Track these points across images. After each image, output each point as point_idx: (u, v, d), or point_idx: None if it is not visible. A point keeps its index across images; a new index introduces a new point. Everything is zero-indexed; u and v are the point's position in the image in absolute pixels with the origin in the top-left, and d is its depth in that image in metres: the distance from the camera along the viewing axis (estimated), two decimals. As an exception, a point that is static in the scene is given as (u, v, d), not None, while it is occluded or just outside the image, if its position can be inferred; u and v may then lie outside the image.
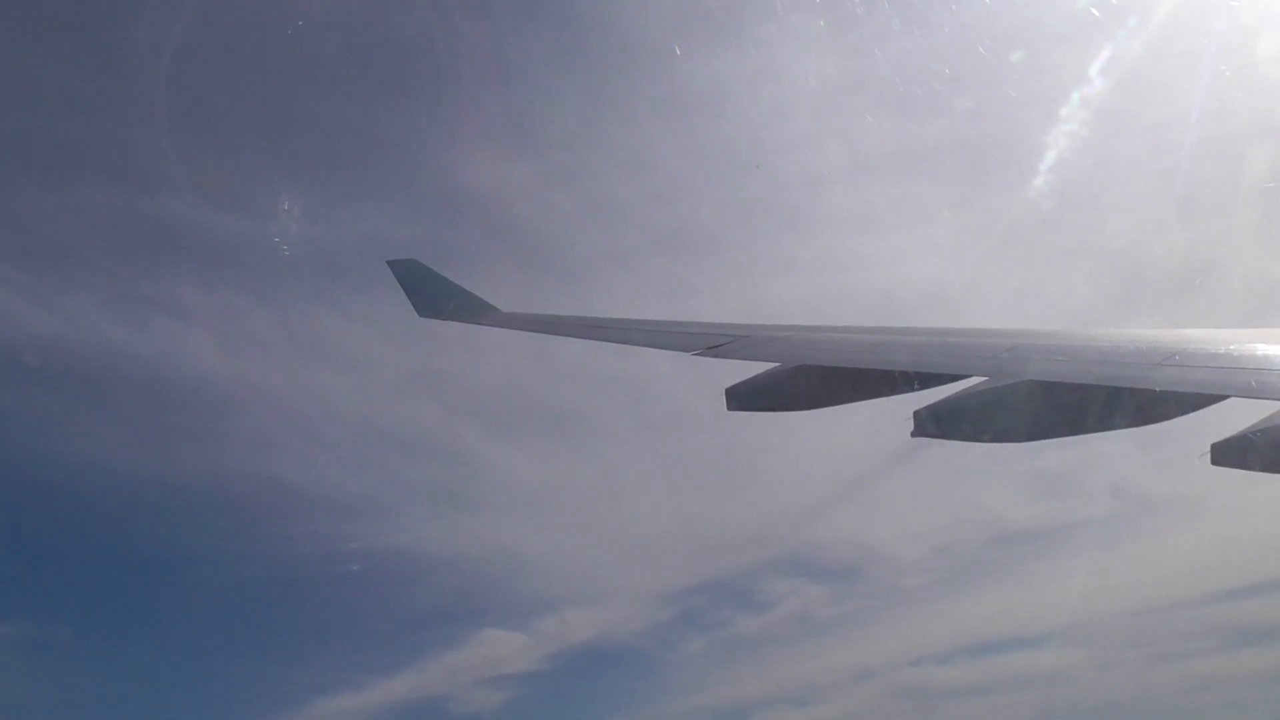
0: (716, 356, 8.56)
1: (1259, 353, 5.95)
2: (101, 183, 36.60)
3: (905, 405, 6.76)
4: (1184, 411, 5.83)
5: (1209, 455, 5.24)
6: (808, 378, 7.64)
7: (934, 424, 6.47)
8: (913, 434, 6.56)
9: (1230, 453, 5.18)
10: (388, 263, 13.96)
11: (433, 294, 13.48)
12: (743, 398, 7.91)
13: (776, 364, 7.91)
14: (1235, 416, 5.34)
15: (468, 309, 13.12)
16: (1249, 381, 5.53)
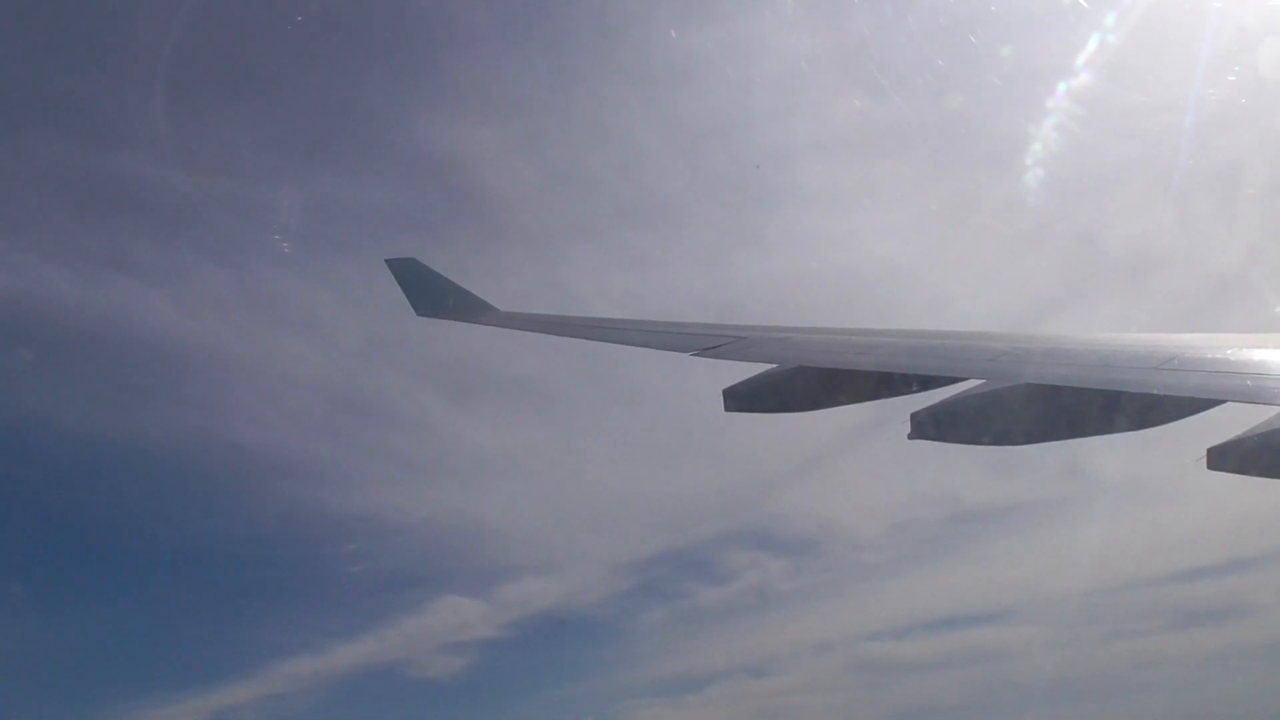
0: (714, 357, 8.57)
1: (1256, 358, 5.96)
2: (54, 135, 35.65)
3: (903, 407, 6.77)
4: (1181, 415, 5.83)
5: (1205, 460, 5.24)
6: (806, 379, 7.64)
7: (931, 426, 6.47)
8: (910, 436, 6.56)
9: (1226, 457, 5.18)
10: (386, 261, 13.97)
11: (431, 293, 13.48)
12: (740, 399, 7.91)
13: (774, 365, 7.91)
14: (1232, 421, 5.35)
15: (466, 308, 13.13)
16: (1246, 386, 5.54)
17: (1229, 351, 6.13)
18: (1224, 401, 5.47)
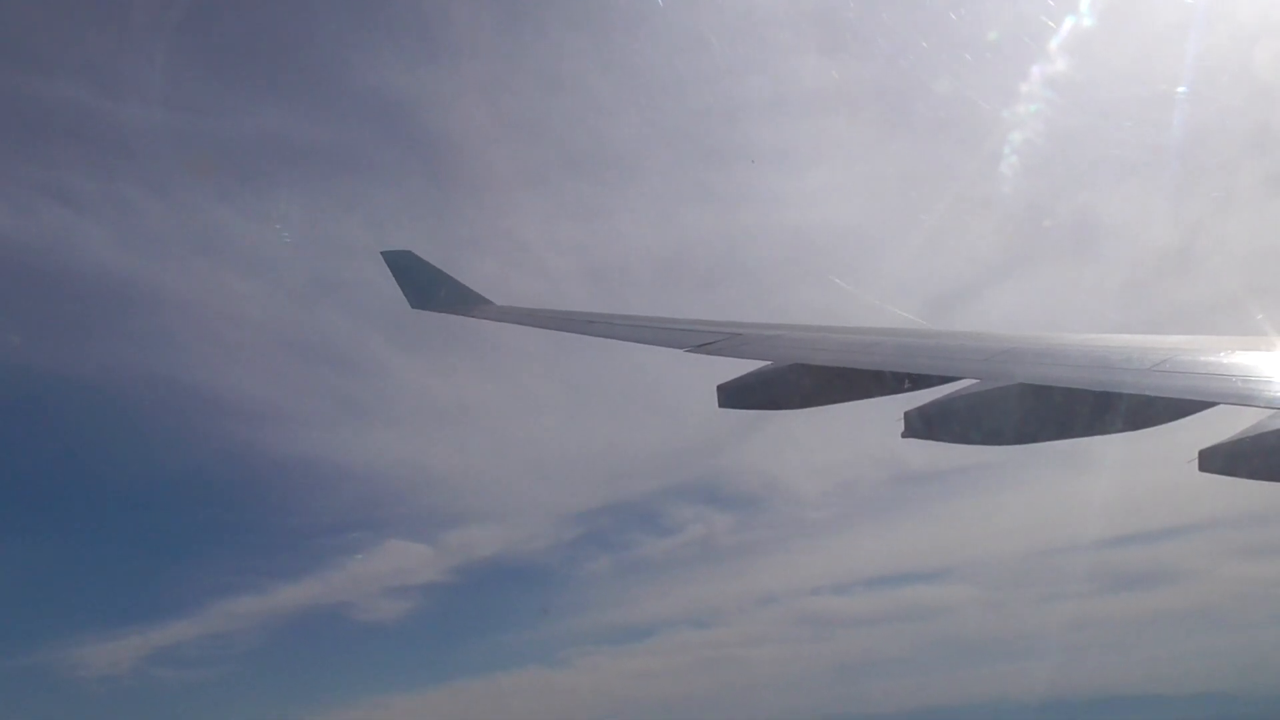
0: (709, 354, 8.58)
1: (1247, 361, 5.98)
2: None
3: (896, 405, 6.78)
4: (1172, 418, 5.86)
5: (1196, 461, 5.26)
6: (800, 376, 7.65)
7: (924, 425, 6.48)
8: (903, 434, 6.57)
9: (1217, 459, 5.21)
10: (382, 254, 13.93)
11: (426, 285, 13.46)
12: (734, 395, 7.91)
13: (768, 362, 7.92)
14: (1223, 423, 5.37)
15: (460, 301, 13.11)
16: (1237, 389, 5.56)
17: (1220, 354, 6.15)
18: (1215, 404, 5.50)
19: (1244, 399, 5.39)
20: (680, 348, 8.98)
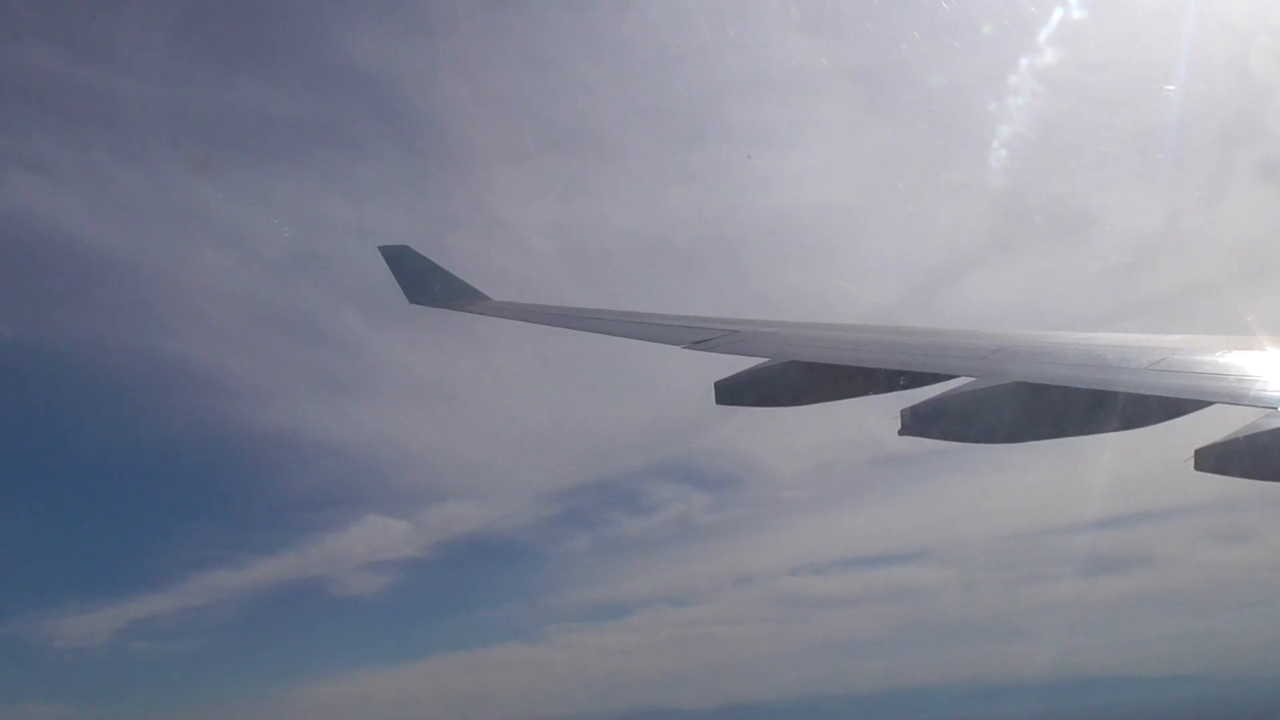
0: (706, 350, 8.59)
1: (1243, 360, 5.99)
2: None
3: (893, 404, 6.80)
4: (1168, 417, 5.87)
5: (1192, 460, 5.28)
6: (797, 374, 7.66)
7: (920, 423, 6.50)
8: (899, 432, 6.59)
9: (1213, 459, 5.22)
10: (379, 249, 13.92)
11: (424, 281, 13.45)
12: (731, 392, 7.94)
13: (765, 359, 7.93)
14: (1219, 423, 5.38)
15: (458, 296, 13.10)
16: (1233, 389, 5.57)
17: (1216, 354, 6.16)
18: (1211, 404, 5.51)
19: (1239, 399, 5.40)
20: (677, 344, 8.99)
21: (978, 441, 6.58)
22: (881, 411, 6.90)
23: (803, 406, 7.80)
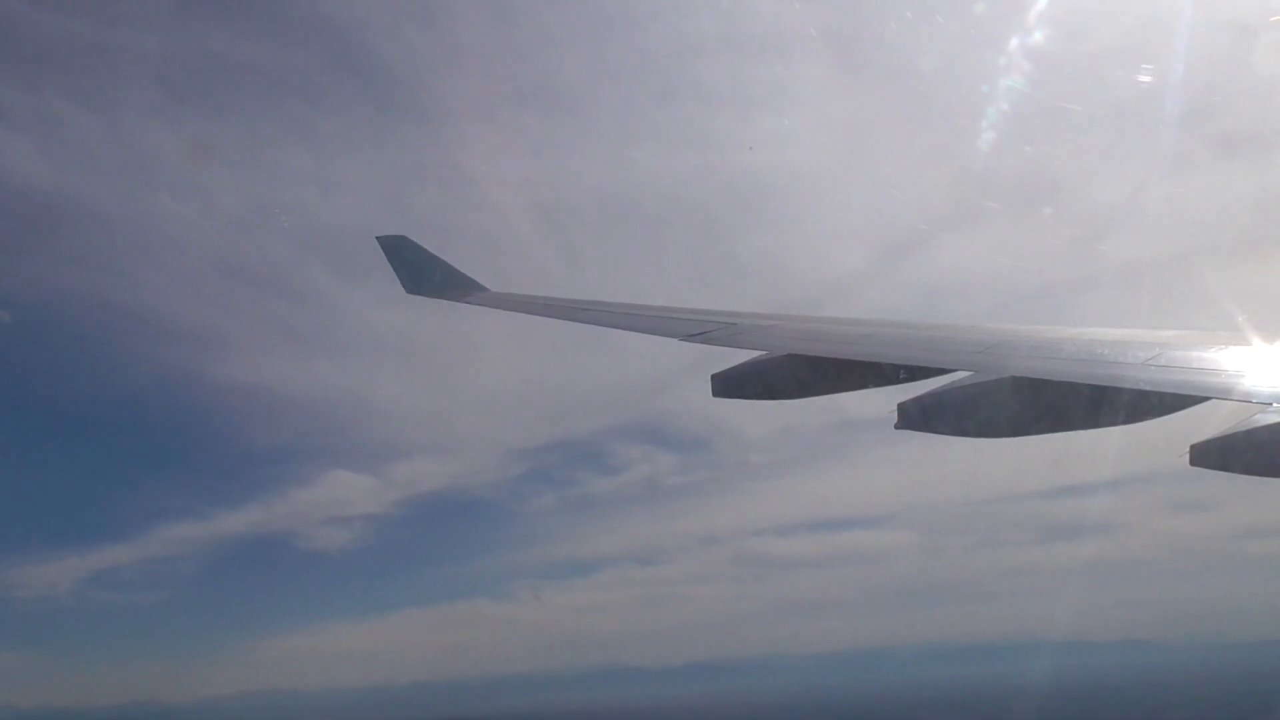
0: (703, 343, 8.59)
1: (1241, 356, 6.01)
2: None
3: (890, 397, 6.79)
4: (1166, 411, 5.88)
5: (1188, 455, 5.28)
6: (794, 367, 7.66)
7: (918, 416, 6.50)
8: (897, 426, 6.59)
9: (1209, 454, 5.23)
10: (377, 239, 13.91)
11: (420, 271, 13.45)
12: (728, 384, 7.93)
13: (762, 352, 7.92)
14: (1216, 418, 5.39)
15: (455, 287, 13.10)
16: (1230, 384, 5.59)
17: (1213, 350, 6.17)
18: (1209, 399, 5.52)
19: (1237, 394, 5.41)
20: (674, 336, 9.00)
21: (973, 436, 6.58)
22: (878, 405, 6.90)
23: (800, 400, 7.80)
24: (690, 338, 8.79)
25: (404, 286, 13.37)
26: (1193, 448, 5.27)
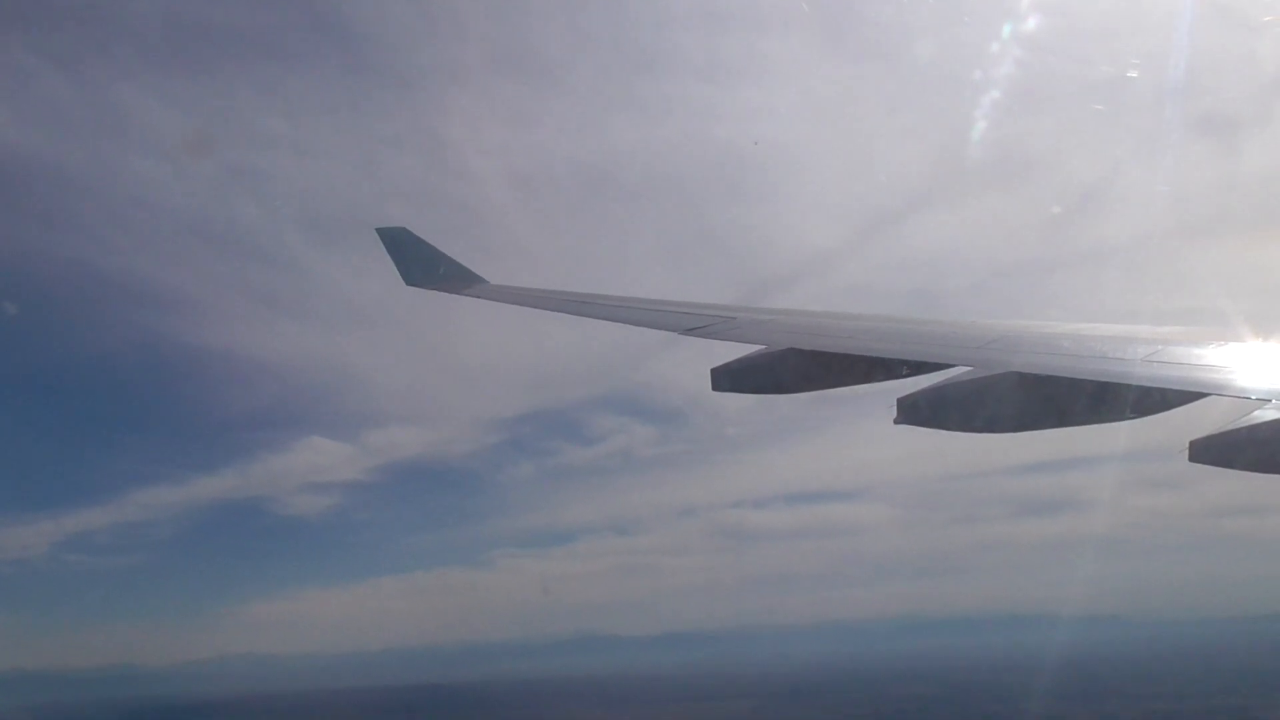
0: (702, 337, 8.59)
1: (1240, 353, 6.00)
2: None
3: (889, 392, 6.79)
4: (1166, 407, 5.87)
5: (1187, 451, 5.28)
6: (794, 361, 7.65)
7: (917, 411, 6.49)
8: (896, 420, 6.58)
9: (1208, 450, 5.22)
10: (376, 230, 13.88)
11: (420, 263, 13.43)
12: (728, 378, 7.92)
13: (762, 346, 7.92)
14: (1215, 414, 5.38)
15: (455, 279, 13.09)
16: (1230, 381, 5.58)
17: (1213, 346, 6.17)
18: (1208, 395, 5.51)
19: (1237, 391, 5.41)
20: (673, 330, 9.00)
21: (973, 431, 6.58)
22: (878, 400, 6.89)
23: (800, 394, 7.80)
24: (689, 331, 8.80)
25: (404, 279, 13.35)
26: (1192, 444, 5.27)
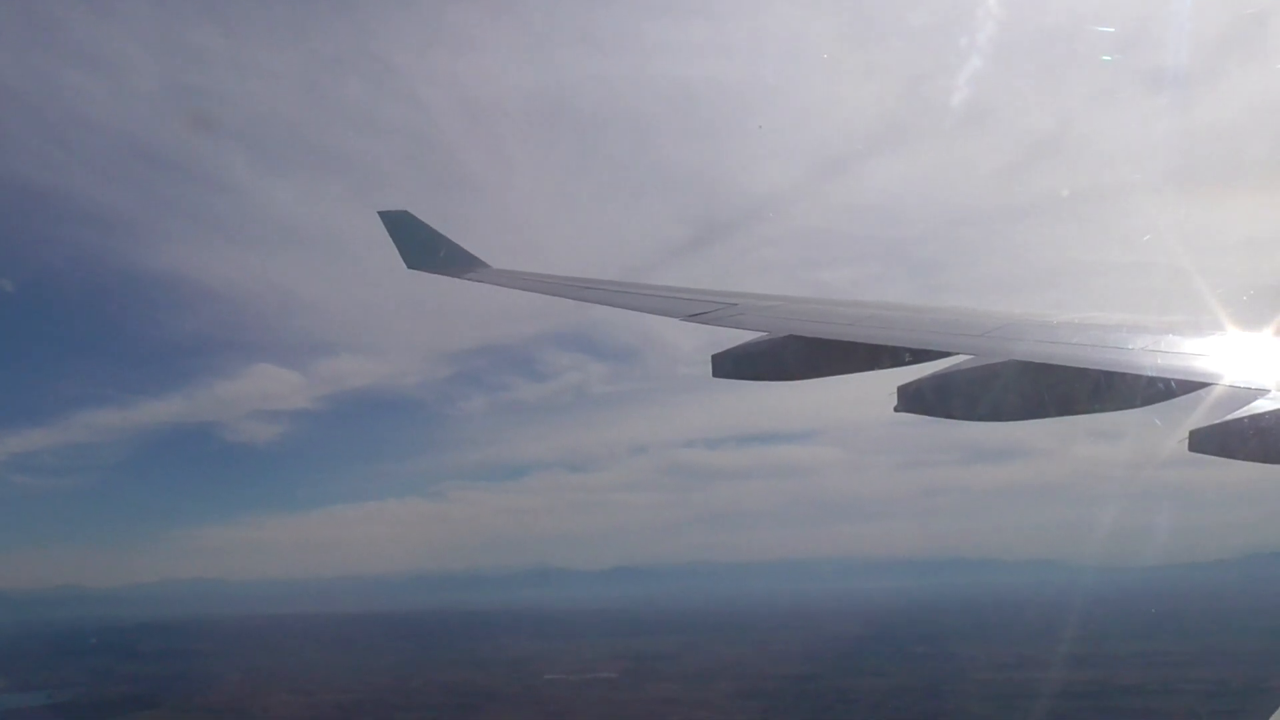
0: (704, 323, 8.59)
1: (1241, 343, 6.00)
2: None
3: (890, 379, 6.79)
4: (1167, 397, 5.87)
5: (1187, 441, 5.29)
6: (795, 348, 7.65)
7: (918, 399, 6.50)
8: (896, 408, 6.59)
9: (1208, 440, 5.23)
10: (379, 214, 13.86)
11: (422, 247, 13.41)
12: (729, 365, 7.93)
13: (763, 333, 7.92)
14: (1215, 404, 5.39)
15: (457, 263, 13.07)
16: (1231, 372, 5.58)
17: (1214, 336, 6.17)
18: (1210, 385, 5.51)
19: (1238, 381, 5.40)
20: (674, 316, 9.01)
21: (973, 419, 6.58)
22: (878, 386, 6.89)
23: (800, 381, 7.80)
24: (691, 318, 8.80)
25: (406, 262, 13.34)
26: (1192, 433, 5.27)
